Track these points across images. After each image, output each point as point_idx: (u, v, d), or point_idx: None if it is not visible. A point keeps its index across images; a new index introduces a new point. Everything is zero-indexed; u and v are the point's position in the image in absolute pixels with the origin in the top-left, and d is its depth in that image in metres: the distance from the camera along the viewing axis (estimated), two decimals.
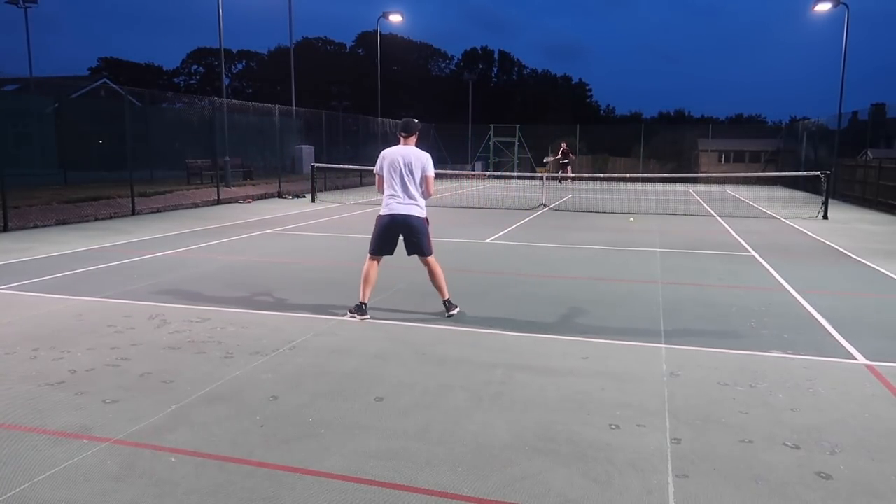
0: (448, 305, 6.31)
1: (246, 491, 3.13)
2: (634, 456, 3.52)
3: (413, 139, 6.21)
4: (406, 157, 6.08)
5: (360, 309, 6.17)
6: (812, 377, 4.77)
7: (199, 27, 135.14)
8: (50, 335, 5.55)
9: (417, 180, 6.09)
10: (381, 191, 6.25)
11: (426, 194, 6.18)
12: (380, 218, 6.22)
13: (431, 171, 6.14)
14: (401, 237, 6.21)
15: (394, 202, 6.11)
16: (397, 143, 6.27)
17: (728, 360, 5.15)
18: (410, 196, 6.08)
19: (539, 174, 26.44)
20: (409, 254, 6.26)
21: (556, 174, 29.98)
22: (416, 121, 6.35)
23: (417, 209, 6.12)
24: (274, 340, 5.48)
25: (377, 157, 6.31)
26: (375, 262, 6.24)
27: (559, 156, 29.63)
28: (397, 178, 6.06)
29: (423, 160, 6.11)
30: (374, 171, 6.25)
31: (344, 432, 3.77)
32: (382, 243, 6.21)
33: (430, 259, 6.25)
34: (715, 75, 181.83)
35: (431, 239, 6.26)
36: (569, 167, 29.67)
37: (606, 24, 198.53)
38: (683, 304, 7.02)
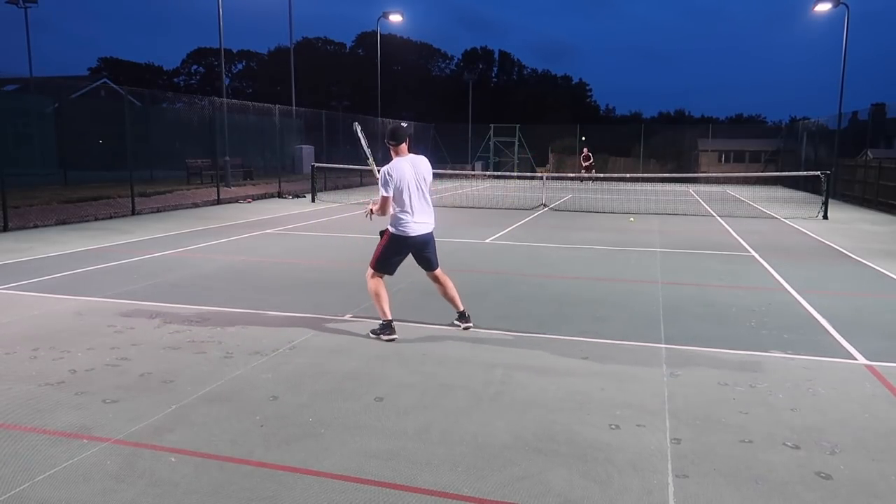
0: (462, 317, 5.87)
1: (246, 491, 3.13)
2: (634, 456, 3.52)
3: (405, 146, 5.53)
4: (417, 167, 5.50)
5: (389, 327, 5.55)
6: (812, 377, 4.77)
7: (199, 27, 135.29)
8: (50, 335, 5.56)
9: (428, 192, 5.59)
10: (385, 213, 5.51)
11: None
12: (394, 237, 5.53)
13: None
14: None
15: (411, 221, 5.48)
16: (387, 151, 5.65)
17: (728, 360, 5.15)
18: (426, 211, 5.55)
19: (539, 175, 26.88)
20: (428, 269, 5.77)
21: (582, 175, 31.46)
22: (405, 124, 5.65)
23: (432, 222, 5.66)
24: (274, 340, 5.48)
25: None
26: (381, 279, 5.63)
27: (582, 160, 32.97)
28: (413, 195, 5.44)
29: (429, 167, 5.65)
30: (382, 194, 5.39)
31: (344, 432, 3.77)
32: (394, 265, 5.65)
33: (440, 272, 5.78)
34: (715, 75, 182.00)
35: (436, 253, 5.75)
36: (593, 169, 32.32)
37: (603, 26, 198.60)
38: (683, 304, 7.02)
